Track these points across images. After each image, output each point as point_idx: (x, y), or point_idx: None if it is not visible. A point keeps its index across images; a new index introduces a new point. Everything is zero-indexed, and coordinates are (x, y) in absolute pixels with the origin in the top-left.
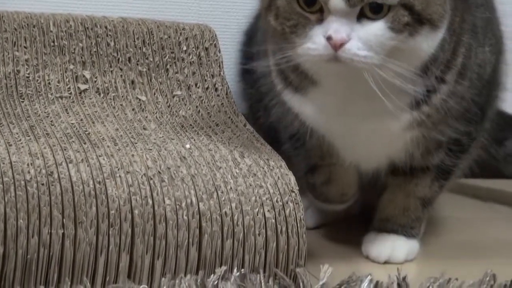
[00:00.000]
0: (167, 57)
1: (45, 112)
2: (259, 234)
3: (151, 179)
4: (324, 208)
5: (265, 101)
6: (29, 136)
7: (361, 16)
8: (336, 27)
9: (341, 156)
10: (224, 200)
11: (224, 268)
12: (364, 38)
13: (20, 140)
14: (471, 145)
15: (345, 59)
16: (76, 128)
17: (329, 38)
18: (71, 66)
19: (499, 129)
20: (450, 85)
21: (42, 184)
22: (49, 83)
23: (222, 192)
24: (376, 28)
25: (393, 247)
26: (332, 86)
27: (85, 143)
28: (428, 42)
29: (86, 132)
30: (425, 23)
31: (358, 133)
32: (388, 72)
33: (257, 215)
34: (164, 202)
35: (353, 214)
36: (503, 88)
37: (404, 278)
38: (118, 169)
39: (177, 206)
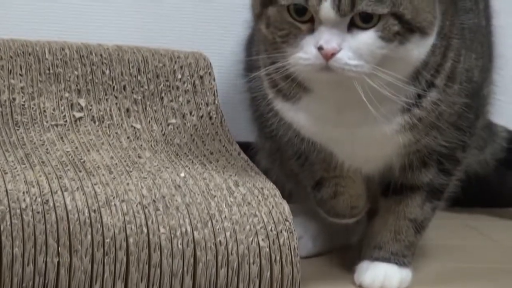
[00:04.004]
0: (162, 85)
1: (40, 140)
2: (253, 263)
3: (146, 207)
4: (336, 223)
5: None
6: (24, 164)
7: (352, 26)
8: (327, 37)
9: (341, 163)
10: (218, 229)
11: None
12: (354, 48)
13: (15, 168)
14: (465, 157)
15: (336, 69)
16: (71, 156)
17: (320, 48)
18: (67, 94)
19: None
20: (439, 89)
21: (38, 212)
22: (44, 111)
23: (216, 221)
24: (367, 37)
25: (386, 276)
26: (325, 93)
27: (80, 171)
28: (419, 49)
29: (81, 160)
30: (415, 31)
31: (353, 138)
32: (377, 81)
33: (252, 244)
34: (159, 231)
35: (347, 243)
36: (495, 91)
37: None
38: (113, 198)
39: (172, 235)
